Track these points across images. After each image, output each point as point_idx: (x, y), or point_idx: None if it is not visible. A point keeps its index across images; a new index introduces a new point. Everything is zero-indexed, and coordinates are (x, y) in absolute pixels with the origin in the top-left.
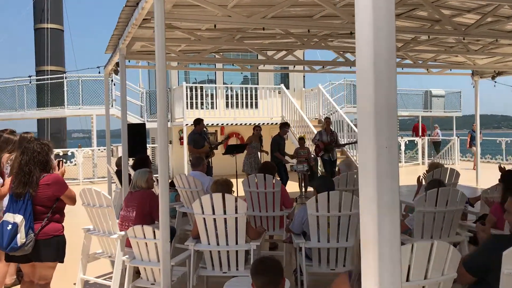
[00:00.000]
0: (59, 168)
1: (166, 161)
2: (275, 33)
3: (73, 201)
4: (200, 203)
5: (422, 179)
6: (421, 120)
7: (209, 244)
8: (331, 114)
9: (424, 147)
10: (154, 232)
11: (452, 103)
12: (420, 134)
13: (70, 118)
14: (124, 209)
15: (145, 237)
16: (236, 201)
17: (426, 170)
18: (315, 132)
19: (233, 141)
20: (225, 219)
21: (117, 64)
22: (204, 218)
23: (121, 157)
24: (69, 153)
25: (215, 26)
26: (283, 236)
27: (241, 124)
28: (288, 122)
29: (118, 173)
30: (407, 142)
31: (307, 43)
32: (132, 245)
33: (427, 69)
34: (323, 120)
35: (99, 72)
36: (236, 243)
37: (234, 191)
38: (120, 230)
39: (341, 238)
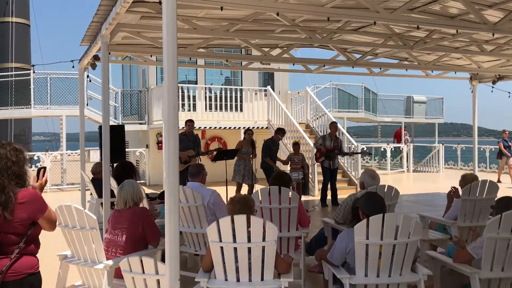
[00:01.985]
0: (38, 179)
1: (176, 175)
2: (278, 25)
3: (53, 225)
4: (217, 228)
5: (453, 192)
6: (403, 126)
7: (226, 280)
8: (318, 117)
9: (409, 154)
10: (156, 265)
11: (434, 109)
12: (403, 141)
13: (32, 119)
14: (109, 231)
15: (144, 272)
16: (264, 225)
17: (460, 182)
18: (306, 137)
19: (214, 145)
20: (249, 248)
21: (94, 57)
22: (221, 247)
23: (98, 163)
24: (35, 157)
25: (221, 8)
26: (300, 261)
27: (225, 128)
28: (283, 127)
29: (95, 182)
30: (392, 149)
31: (315, 38)
32: (126, 281)
33: (426, 73)
34: (310, 124)
35: (73, 67)
36: (262, 279)
37: (256, 211)
38: (106, 258)
39: (394, 272)
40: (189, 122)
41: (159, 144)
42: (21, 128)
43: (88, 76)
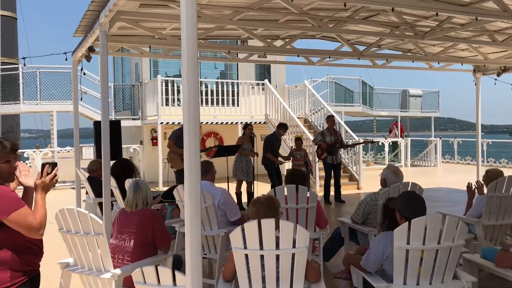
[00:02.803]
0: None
1: (198, 174)
2: (285, 12)
3: (28, 231)
4: (241, 233)
5: (474, 187)
6: (400, 120)
7: None
8: (316, 112)
9: (407, 148)
10: (174, 274)
11: (429, 103)
12: (399, 135)
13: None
14: (115, 236)
15: (159, 283)
16: (296, 230)
17: (483, 178)
18: (306, 132)
19: (211, 142)
20: (277, 255)
21: (89, 49)
22: (246, 255)
23: (95, 161)
24: (25, 155)
25: None
26: (319, 264)
27: (221, 123)
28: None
29: (91, 180)
30: (391, 144)
31: (324, 27)
32: None
33: (430, 66)
34: (309, 119)
35: (66, 59)
36: None
37: (281, 212)
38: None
39: (435, 279)
40: None
41: (153, 140)
42: (9, 124)
43: (82, 69)
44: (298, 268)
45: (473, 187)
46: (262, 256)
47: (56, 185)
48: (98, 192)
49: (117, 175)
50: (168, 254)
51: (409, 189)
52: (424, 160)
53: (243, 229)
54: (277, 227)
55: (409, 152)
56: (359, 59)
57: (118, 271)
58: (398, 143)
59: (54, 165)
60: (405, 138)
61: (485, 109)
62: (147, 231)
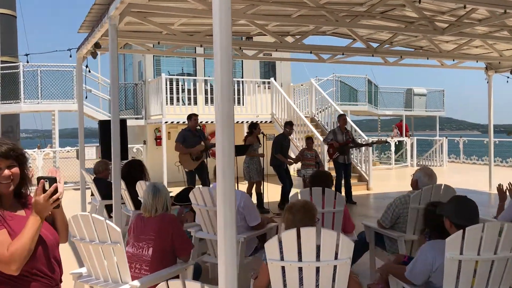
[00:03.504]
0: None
1: (231, 178)
2: (302, 5)
3: None
4: (278, 243)
5: (506, 189)
6: (405, 119)
7: None
8: (323, 110)
9: (414, 147)
10: None
11: (434, 102)
12: (404, 134)
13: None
14: (132, 243)
15: None
16: (338, 239)
17: None
18: (315, 132)
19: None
20: (317, 268)
21: (95, 45)
22: (282, 267)
23: (101, 161)
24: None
25: None
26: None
27: None
28: (290, 120)
29: (97, 182)
30: (397, 143)
31: (342, 21)
32: None
33: (442, 63)
34: (316, 118)
35: (70, 56)
36: None
37: (318, 219)
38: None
39: None
40: (194, 117)
41: (157, 140)
42: (8, 124)
43: (87, 66)
44: (340, 281)
45: (505, 189)
46: (300, 269)
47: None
48: (104, 194)
49: (123, 175)
50: (189, 263)
51: (441, 191)
52: (429, 159)
53: (280, 239)
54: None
55: (415, 152)
56: (373, 55)
57: (136, 283)
58: (404, 143)
59: (52, 180)
60: (410, 137)
61: (480, 108)
62: (166, 237)
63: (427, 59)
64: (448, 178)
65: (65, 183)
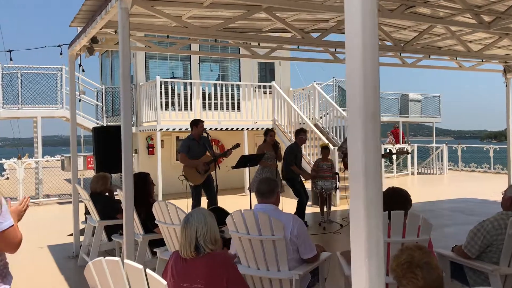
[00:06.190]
0: None
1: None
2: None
3: None
4: None
5: None
6: (401, 126)
7: None
8: (324, 115)
9: (414, 155)
10: None
11: (429, 108)
12: (401, 141)
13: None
14: None
15: None
16: None
17: None
18: (324, 139)
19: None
20: None
21: (92, 39)
22: None
23: (100, 175)
24: (5, 166)
25: None
26: None
27: (226, 129)
28: (302, 127)
29: (95, 199)
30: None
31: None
32: None
33: (460, 65)
34: (319, 124)
35: (61, 53)
36: None
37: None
38: None
39: None
40: (201, 123)
41: (149, 148)
42: None
43: (80, 65)
44: None
45: None
46: None
47: (41, 199)
48: (103, 213)
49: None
50: None
51: None
52: (428, 167)
53: None
54: None
55: (415, 160)
56: (400, 54)
57: None
58: (405, 150)
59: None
60: (411, 144)
61: (452, 113)
62: (219, 283)
63: (456, 58)
64: (457, 187)
65: (48, 196)
